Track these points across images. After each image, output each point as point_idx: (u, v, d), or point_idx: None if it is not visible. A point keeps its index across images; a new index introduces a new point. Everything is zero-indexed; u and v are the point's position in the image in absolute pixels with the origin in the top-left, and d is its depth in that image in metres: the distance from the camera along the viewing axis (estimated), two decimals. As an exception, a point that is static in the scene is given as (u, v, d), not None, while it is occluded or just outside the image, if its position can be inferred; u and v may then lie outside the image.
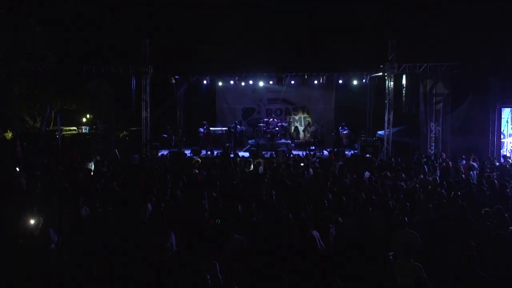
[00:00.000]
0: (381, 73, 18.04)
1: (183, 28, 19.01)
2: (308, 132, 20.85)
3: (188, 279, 5.18)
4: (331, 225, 7.00)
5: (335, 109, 22.48)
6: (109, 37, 18.28)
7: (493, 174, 11.57)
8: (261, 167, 12.89)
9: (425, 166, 12.73)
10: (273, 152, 16.24)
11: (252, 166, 13.34)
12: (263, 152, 16.82)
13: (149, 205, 8.08)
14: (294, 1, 19.08)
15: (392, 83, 17.51)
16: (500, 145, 16.89)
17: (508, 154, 15.80)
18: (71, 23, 17.47)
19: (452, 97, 17.43)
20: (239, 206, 7.69)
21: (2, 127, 16.44)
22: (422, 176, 11.61)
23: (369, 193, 9.24)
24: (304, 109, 22.71)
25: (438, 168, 12.84)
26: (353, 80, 19.27)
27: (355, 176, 11.62)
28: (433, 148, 17.35)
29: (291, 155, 15.81)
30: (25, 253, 5.47)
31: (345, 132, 19.90)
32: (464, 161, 14.11)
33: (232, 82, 20.31)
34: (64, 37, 17.16)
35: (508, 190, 9.53)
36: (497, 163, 14.05)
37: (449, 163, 13.73)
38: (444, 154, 16.09)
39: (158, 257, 6.12)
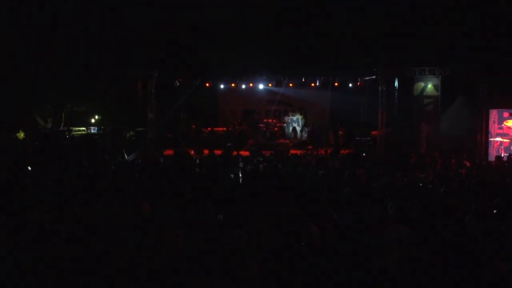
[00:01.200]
0: (374, 76, 18.04)
1: (186, 33, 18.99)
2: (305, 132, 20.86)
3: (194, 272, 5.17)
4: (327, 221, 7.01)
5: (331, 110, 22.52)
6: (116, 42, 18.27)
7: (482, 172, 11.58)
8: (260, 165, 12.88)
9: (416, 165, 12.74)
10: (272, 152, 16.23)
11: (252, 164, 13.32)
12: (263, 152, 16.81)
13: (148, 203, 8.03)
14: (292, 8, 19.06)
15: (385, 85, 17.52)
16: (488, 144, 16.92)
17: (503, 154, 15.73)
18: (80, 29, 17.46)
19: (442, 99, 17.45)
20: (240, 203, 7.70)
21: (14, 128, 16.42)
22: (412, 174, 11.60)
23: (363, 190, 9.24)
24: (301, 111, 22.74)
25: (428, 166, 12.83)
26: (348, 83, 19.27)
27: (350, 174, 11.59)
28: (424, 147, 17.37)
29: (289, 154, 15.81)
30: (37, 247, 5.45)
31: (340, 132, 19.93)
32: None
33: (233, 85, 20.34)
34: (73, 42, 17.14)
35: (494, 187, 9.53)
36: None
37: (439, 162, 13.72)
38: (436, 154, 16.10)
39: (165, 251, 6.08)
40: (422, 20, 17.47)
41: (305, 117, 22.46)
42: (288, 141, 20.64)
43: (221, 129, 21.54)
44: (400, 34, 17.26)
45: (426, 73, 17.19)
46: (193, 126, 20.34)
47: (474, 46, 16.59)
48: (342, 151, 17.41)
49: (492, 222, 6.79)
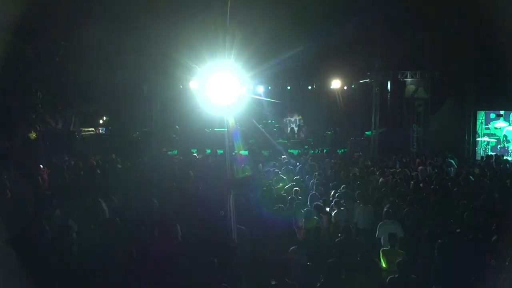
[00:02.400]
0: (368, 80, 18.05)
1: (191, 39, 18.94)
2: (302, 132, 20.88)
3: (195, 265, 5.17)
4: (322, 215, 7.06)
5: (327, 111, 22.53)
6: (124, 47, 18.25)
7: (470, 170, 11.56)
8: (260, 164, 12.87)
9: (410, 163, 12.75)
10: (271, 151, 16.25)
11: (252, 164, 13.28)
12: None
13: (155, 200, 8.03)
14: (290, 18, 19.08)
15: (378, 88, 17.53)
16: (475, 144, 16.94)
17: (491, 153, 15.72)
18: (90, 34, 17.44)
19: (432, 101, 17.49)
20: (241, 199, 7.72)
21: (27, 128, 16.42)
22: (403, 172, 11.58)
23: (357, 187, 9.24)
24: (299, 112, 22.74)
25: (419, 165, 12.82)
26: (343, 86, 19.29)
27: (344, 172, 11.59)
28: (415, 147, 17.41)
29: (287, 154, 15.81)
30: (50, 242, 5.46)
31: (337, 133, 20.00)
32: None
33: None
34: (84, 47, 17.12)
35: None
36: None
37: (429, 161, 13.71)
38: (425, 153, 16.12)
39: (165, 246, 6.06)
40: (413, 25, 17.47)
41: (302, 118, 22.46)
42: (286, 141, 20.63)
43: (223, 129, 21.54)
44: (393, 40, 17.25)
45: (417, 77, 17.21)
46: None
47: (462, 50, 16.61)
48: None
49: (479, 217, 6.81)
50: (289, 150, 17.36)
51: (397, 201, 8.00)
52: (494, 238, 5.71)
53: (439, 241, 5.32)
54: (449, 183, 9.65)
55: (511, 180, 9.88)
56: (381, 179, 10.38)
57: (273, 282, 4.71)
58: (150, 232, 6.37)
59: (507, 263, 4.96)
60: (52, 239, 5.72)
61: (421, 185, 9.48)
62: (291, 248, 5.64)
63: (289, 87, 20.40)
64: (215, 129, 20.50)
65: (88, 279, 5.16)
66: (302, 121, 22.15)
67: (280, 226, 6.49)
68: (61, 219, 6.86)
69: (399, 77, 17.33)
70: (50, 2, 15.03)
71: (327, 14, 18.10)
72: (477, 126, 16.89)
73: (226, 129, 20.38)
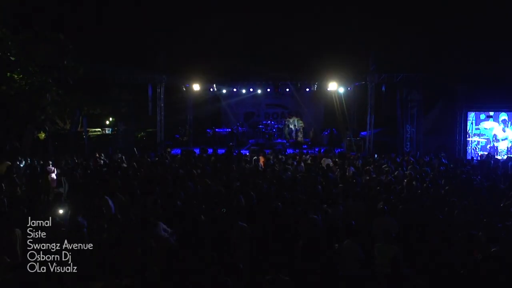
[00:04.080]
0: (364, 82, 18.08)
1: (193, 42, 18.99)
2: (301, 133, 20.91)
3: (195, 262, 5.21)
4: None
5: (325, 113, 22.56)
6: (129, 50, 18.27)
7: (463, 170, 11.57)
8: (260, 163, 12.89)
9: (404, 162, 12.78)
10: (270, 150, 16.28)
11: (252, 162, 13.33)
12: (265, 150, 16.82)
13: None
14: (290, 23, 19.11)
15: (373, 90, 17.56)
16: (466, 144, 16.99)
17: (483, 153, 15.74)
18: (96, 38, 17.45)
19: (425, 102, 17.52)
20: (242, 197, 7.76)
21: (36, 129, 16.47)
22: (395, 171, 11.61)
23: (353, 186, 9.29)
24: (297, 113, 22.78)
25: (412, 164, 12.83)
26: (340, 88, 19.32)
27: (341, 171, 11.62)
28: (408, 146, 17.45)
29: (286, 153, 15.86)
30: (62, 238, 5.50)
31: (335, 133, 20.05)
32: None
33: (235, 89, 20.38)
34: (90, 50, 17.13)
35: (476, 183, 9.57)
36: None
37: (421, 160, 13.73)
38: (418, 152, 16.16)
39: (158, 244, 6.07)
40: (406, 30, 17.50)
41: (300, 119, 22.50)
42: (285, 141, 20.67)
43: (224, 129, 21.62)
44: (387, 43, 17.28)
45: (410, 79, 17.24)
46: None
47: (453, 54, 16.66)
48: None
49: (470, 214, 6.86)
50: (287, 150, 17.43)
51: (391, 198, 8.05)
52: (480, 234, 5.76)
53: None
54: (441, 182, 9.70)
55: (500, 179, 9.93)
56: (375, 177, 10.42)
57: (268, 277, 4.76)
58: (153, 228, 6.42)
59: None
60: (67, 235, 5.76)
61: (414, 183, 9.52)
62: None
63: (288, 89, 20.45)
64: (217, 130, 20.54)
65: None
66: (300, 122, 22.15)
67: (277, 223, 6.53)
68: (70, 216, 6.92)
69: (393, 80, 17.35)
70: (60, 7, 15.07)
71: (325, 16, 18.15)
72: (468, 127, 16.93)
73: (228, 130, 20.62)
